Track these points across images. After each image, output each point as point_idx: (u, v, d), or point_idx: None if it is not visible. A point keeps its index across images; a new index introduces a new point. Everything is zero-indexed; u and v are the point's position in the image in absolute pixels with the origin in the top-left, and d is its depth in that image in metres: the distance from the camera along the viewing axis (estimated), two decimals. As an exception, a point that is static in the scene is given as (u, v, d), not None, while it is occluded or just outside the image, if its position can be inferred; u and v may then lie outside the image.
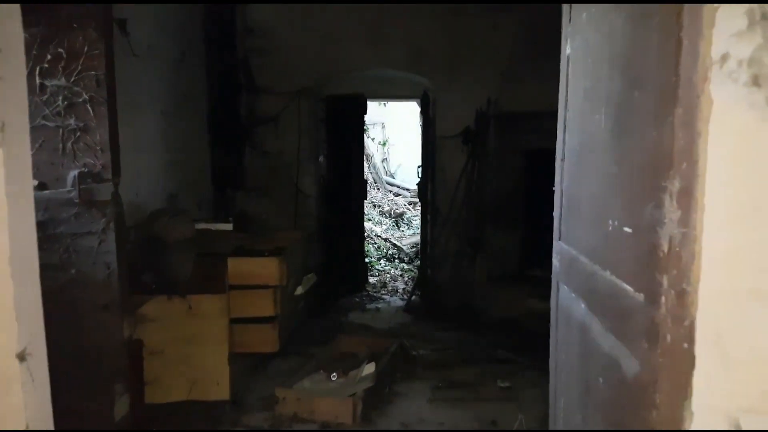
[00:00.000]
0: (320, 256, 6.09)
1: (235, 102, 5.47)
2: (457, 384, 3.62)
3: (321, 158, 6.14)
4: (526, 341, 4.48)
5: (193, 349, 3.01)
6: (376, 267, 6.96)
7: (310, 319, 4.67)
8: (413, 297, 5.65)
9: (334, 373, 3.46)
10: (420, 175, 6.04)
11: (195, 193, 4.23)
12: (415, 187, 10.48)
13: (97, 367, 2.26)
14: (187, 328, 3.00)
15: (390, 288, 6.25)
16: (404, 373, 3.76)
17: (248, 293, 3.02)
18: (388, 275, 6.72)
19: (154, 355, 3.00)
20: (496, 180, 5.68)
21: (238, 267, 2.99)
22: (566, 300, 1.62)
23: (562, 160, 1.68)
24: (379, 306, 5.62)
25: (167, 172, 3.68)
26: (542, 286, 5.50)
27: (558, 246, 1.73)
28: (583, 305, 1.42)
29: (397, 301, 5.81)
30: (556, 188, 1.79)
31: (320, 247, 6.09)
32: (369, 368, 3.46)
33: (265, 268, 2.98)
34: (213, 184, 4.75)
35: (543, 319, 5.11)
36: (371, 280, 6.44)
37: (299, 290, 3.70)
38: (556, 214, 1.80)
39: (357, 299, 5.79)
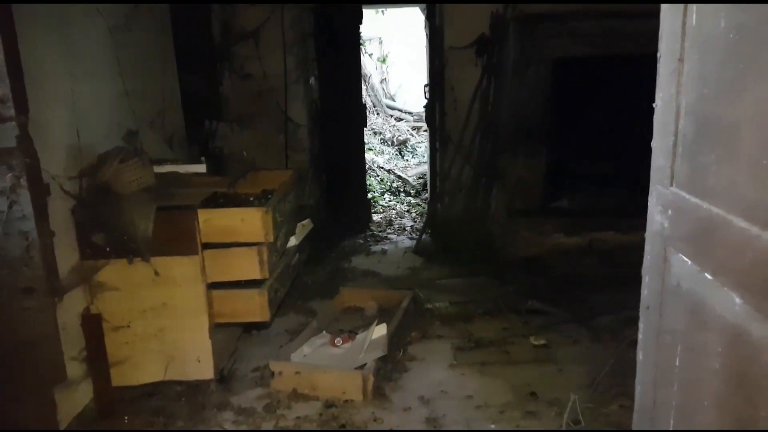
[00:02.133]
0: (316, 194, 5.56)
1: (205, 14, 4.73)
2: (482, 343, 3.19)
3: (312, 80, 5.46)
4: (555, 286, 4.04)
5: (165, 321, 2.54)
6: (380, 203, 6.44)
7: (307, 266, 4.21)
8: (423, 236, 5.17)
9: (339, 338, 3.02)
10: (427, 96, 5.38)
11: (162, 129, 3.62)
12: (420, 110, 9.79)
13: (27, 365, 1.78)
14: (156, 297, 2.52)
15: (396, 226, 5.76)
16: (419, 331, 3.33)
17: (227, 253, 2.51)
18: (394, 211, 6.22)
19: (118, 330, 2.54)
20: (516, 97, 5.03)
21: (212, 221, 2.47)
22: (689, 280, 1.09)
23: (680, 59, 1.10)
24: (386, 247, 5.15)
25: (121, 103, 3.06)
26: (569, 219, 5.07)
27: (669, 194, 1.18)
28: (736, 298, 0.90)
29: (405, 241, 5.34)
30: (663, 105, 1.21)
31: (316, 185, 5.55)
32: (379, 330, 3.01)
33: (247, 222, 2.46)
34: (185, 117, 4.12)
35: (570, 257, 4.67)
36: (375, 217, 5.95)
37: (292, 241, 3.19)
38: (660, 144, 1.23)
39: (360, 241, 5.32)
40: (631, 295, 1.56)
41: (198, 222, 2.46)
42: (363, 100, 5.70)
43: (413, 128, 9.07)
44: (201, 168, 3.04)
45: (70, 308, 2.42)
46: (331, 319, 3.54)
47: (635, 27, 4.63)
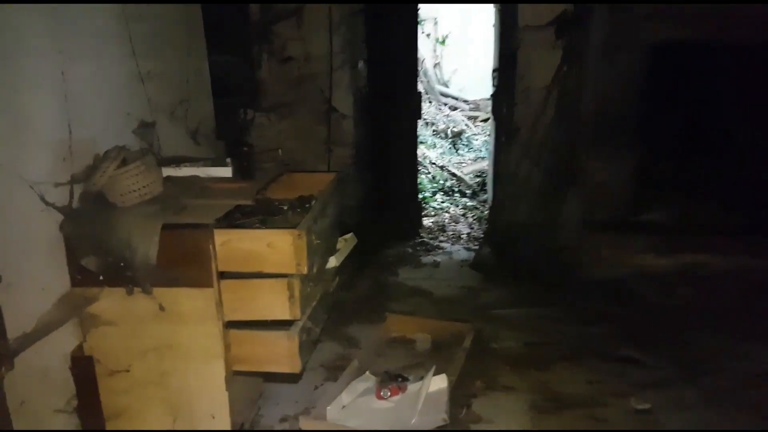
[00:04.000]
0: (359, 194, 5.06)
1: (241, -13, 4.28)
2: (564, 401, 2.63)
3: (360, 64, 4.94)
4: (647, 321, 3.41)
5: (171, 365, 2.09)
6: (431, 204, 5.88)
7: (347, 281, 3.73)
8: (483, 249, 4.60)
9: (387, 389, 2.52)
10: (495, 83, 4.78)
11: (185, 121, 3.18)
12: (477, 97, 9.17)
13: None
14: (160, 335, 2.07)
15: (450, 233, 5.20)
16: (484, 380, 2.79)
17: (249, 285, 2.04)
18: (447, 215, 5.66)
19: (115, 376, 2.11)
20: (601, 88, 4.39)
21: (232, 244, 1.99)
22: None
23: None
24: (438, 259, 4.61)
25: (133, 89, 2.62)
26: (660, 235, 4.39)
27: None
28: None
29: (460, 252, 4.79)
30: None
31: (359, 183, 5.05)
32: (437, 382, 2.49)
33: (275, 247, 1.97)
34: (215, 106, 3.67)
35: (662, 283, 3.99)
36: (426, 222, 5.41)
37: (332, 262, 2.70)
38: None
39: (409, 249, 4.79)
40: (749, 341, 1.00)
41: (214, 245, 1.99)
42: (418, 87, 5.14)
43: (469, 118, 8.46)
44: (226, 171, 2.57)
45: (56, 348, 2.00)
46: (374, 353, 3.05)
47: (755, 11, 3.95)
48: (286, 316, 2.07)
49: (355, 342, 3.22)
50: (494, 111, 4.95)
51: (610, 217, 4.57)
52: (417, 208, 5.26)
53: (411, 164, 5.19)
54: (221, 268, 2.05)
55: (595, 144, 4.50)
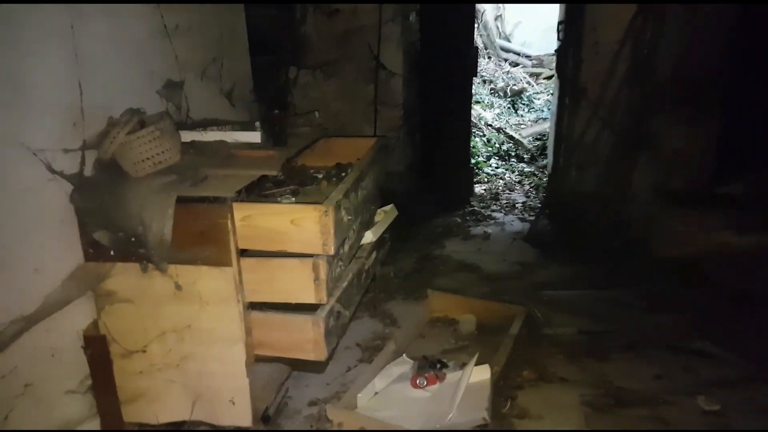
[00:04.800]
0: (407, 158, 4.82)
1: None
2: (624, 398, 2.37)
3: (412, 17, 4.63)
4: (724, 309, 3.06)
5: (190, 348, 1.98)
6: (485, 170, 5.57)
7: (389, 253, 3.53)
8: (540, 220, 4.29)
9: (423, 377, 2.34)
10: (560, 37, 4.36)
11: (219, 80, 3.01)
12: (540, 53, 8.60)
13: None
14: (178, 316, 1.95)
15: (504, 202, 4.90)
16: (534, 369, 2.56)
17: (271, 264, 1.88)
18: (501, 182, 5.34)
19: (131, 357, 2.02)
20: (683, 41, 3.93)
21: (253, 220, 1.82)
22: None
23: None
24: (489, 230, 4.35)
25: (157, 45, 2.46)
26: (742, 210, 3.93)
27: None
28: None
29: (514, 223, 4.50)
30: None
31: (408, 146, 4.81)
32: (479, 372, 2.29)
33: (299, 225, 1.79)
34: (253, 64, 3.48)
35: (742, 265, 3.58)
36: (477, 189, 5.12)
37: (368, 237, 2.50)
38: None
39: (458, 219, 4.54)
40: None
41: (233, 221, 1.83)
42: (475, 42, 4.78)
43: (531, 75, 7.95)
44: (254, 136, 2.40)
45: (67, 326, 1.92)
46: (413, 335, 2.87)
47: None
48: (311, 300, 1.90)
49: (395, 320, 3.05)
50: (559, 68, 4.54)
51: (685, 188, 4.16)
52: (469, 174, 4.98)
53: (464, 126, 4.88)
54: (242, 246, 1.89)
55: (672, 106, 4.07)
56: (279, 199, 2.29)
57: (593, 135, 4.30)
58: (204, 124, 2.57)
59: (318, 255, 1.86)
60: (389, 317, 3.08)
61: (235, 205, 1.84)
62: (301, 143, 2.59)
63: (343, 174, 2.60)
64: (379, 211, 2.82)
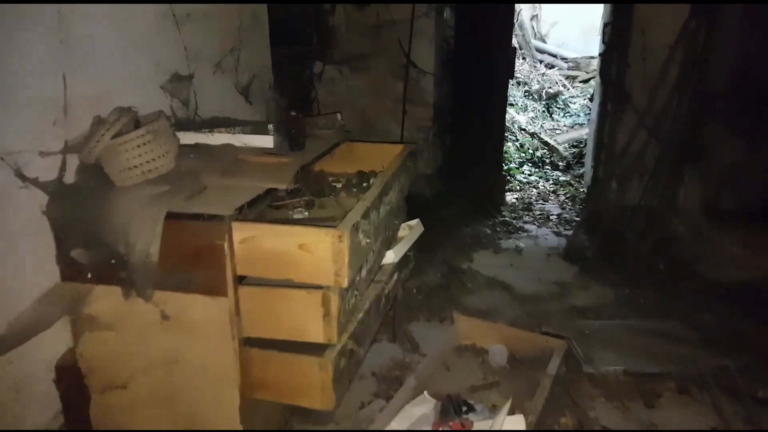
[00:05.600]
0: (436, 161, 4.48)
1: None
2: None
3: (446, 12, 4.27)
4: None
5: (178, 383, 1.68)
6: (517, 177, 5.18)
7: (414, 268, 3.20)
8: (578, 235, 3.90)
9: (447, 425, 2.00)
10: (606, 39, 3.97)
11: (235, 73, 2.71)
12: (575, 55, 8.15)
13: None
14: (165, 347, 1.66)
15: (537, 212, 4.53)
16: (573, 413, 2.21)
17: (275, 294, 1.57)
18: (535, 191, 4.95)
19: (110, 392, 1.73)
20: (742, 46, 3.51)
21: (255, 242, 1.51)
22: None
23: None
24: (521, 244, 3.98)
25: (164, 34, 2.17)
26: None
27: None
28: None
29: (548, 237, 4.12)
30: None
31: (437, 149, 4.46)
32: (512, 422, 1.95)
33: (309, 250, 1.48)
34: (273, 57, 3.17)
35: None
36: (509, 197, 4.74)
37: (389, 257, 2.18)
38: None
39: (487, 230, 4.18)
40: None
41: (231, 242, 1.52)
42: (512, 42, 4.40)
43: (567, 77, 7.51)
44: (266, 141, 2.08)
45: (39, 354, 1.63)
46: (437, 365, 2.53)
47: None
48: (319, 339, 1.59)
49: (417, 345, 2.72)
50: (602, 72, 4.14)
51: (740, 206, 3.74)
52: (501, 181, 4.61)
53: (498, 130, 4.51)
54: (241, 272, 1.58)
55: (729, 117, 3.64)
56: (290, 212, 1.99)
57: (638, 144, 3.91)
58: (213, 124, 2.26)
59: (329, 287, 1.54)
60: (410, 341, 2.76)
61: (234, 224, 1.53)
62: (320, 148, 2.27)
63: (365, 184, 2.29)
64: (403, 225, 2.49)
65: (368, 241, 1.73)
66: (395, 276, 2.29)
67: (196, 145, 2.02)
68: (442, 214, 4.23)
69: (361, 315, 1.83)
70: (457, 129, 4.53)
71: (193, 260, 1.55)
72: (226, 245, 1.52)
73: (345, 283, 1.53)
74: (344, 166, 2.49)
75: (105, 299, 1.64)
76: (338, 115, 2.57)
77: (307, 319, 1.58)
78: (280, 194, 2.08)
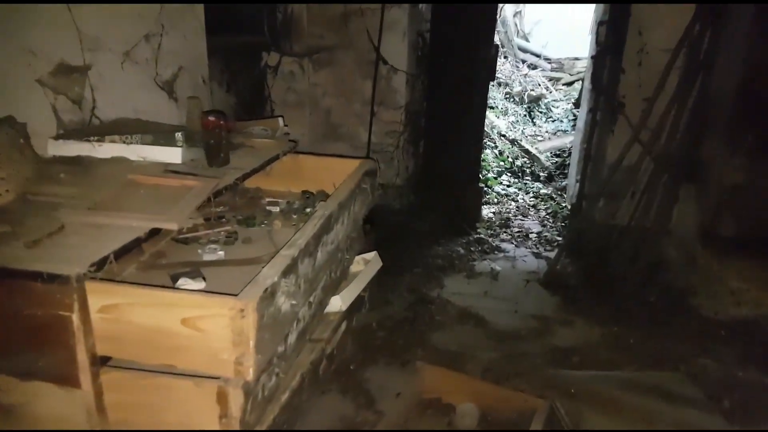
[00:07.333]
0: (407, 172, 4.05)
1: None
2: None
3: (422, 5, 3.83)
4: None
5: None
6: (494, 188, 4.77)
7: (373, 293, 2.74)
8: (560, 259, 3.50)
9: None
10: (601, 41, 3.57)
11: (155, 63, 2.22)
12: (558, 55, 7.78)
13: None
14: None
15: (516, 230, 4.11)
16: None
17: (151, 384, 1.10)
18: (514, 204, 4.54)
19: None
20: (750, 55, 3.13)
21: (120, 312, 1.05)
22: None
23: None
24: (498, 267, 3.57)
25: (41, 16, 1.67)
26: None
27: None
28: None
29: (527, 258, 3.71)
30: None
31: (409, 156, 4.03)
32: None
33: (199, 328, 1.02)
34: (218, 43, 2.67)
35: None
36: (486, 212, 4.33)
37: (336, 305, 1.73)
38: None
39: (460, 249, 3.76)
40: None
41: (85, 313, 1.05)
42: (494, 41, 3.97)
43: (550, 80, 7.14)
44: (172, 154, 1.60)
45: None
46: (396, 423, 2.10)
47: None
48: (213, 451, 1.12)
49: (372, 400, 2.27)
50: (593, 77, 3.74)
51: (741, 233, 3.37)
52: (477, 193, 4.18)
53: (475, 136, 4.08)
54: (103, 352, 1.11)
55: (733, 133, 3.27)
56: (199, 251, 1.52)
57: (630, 159, 3.52)
58: (114, 129, 1.77)
59: (227, 380, 1.08)
60: (364, 394, 2.30)
61: (90, 286, 1.06)
62: (251, 163, 1.80)
63: (308, 210, 1.83)
64: (357, 259, 2.04)
65: (294, 303, 1.27)
66: (342, 326, 1.83)
67: (77, 159, 1.53)
68: (411, 231, 3.79)
69: (286, 396, 1.37)
70: (431, 134, 4.10)
71: (34, 337, 1.07)
72: (75, 317, 1.05)
73: (251, 375, 1.07)
74: (288, 184, 2.04)
75: None
76: (280, 120, 2.10)
77: (199, 421, 1.11)
78: (197, 221, 1.62)
